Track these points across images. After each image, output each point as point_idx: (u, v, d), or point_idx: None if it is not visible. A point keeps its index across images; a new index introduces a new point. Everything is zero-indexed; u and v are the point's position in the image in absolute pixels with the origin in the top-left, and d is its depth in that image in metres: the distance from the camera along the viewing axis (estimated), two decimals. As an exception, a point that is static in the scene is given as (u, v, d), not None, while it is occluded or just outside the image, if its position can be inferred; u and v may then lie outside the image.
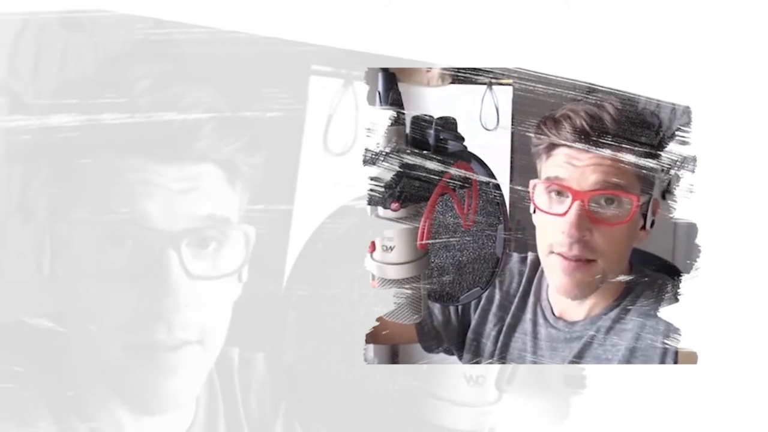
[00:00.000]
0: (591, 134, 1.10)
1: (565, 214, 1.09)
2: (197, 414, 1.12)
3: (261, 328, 1.20)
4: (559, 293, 1.14)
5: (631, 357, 1.12)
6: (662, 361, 1.11)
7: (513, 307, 1.22)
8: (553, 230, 1.11)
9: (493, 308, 1.23)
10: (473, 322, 1.24)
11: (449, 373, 1.27)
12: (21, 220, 1.08)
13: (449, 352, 1.26)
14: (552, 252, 1.12)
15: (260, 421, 1.17)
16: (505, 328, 1.22)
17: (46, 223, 1.06)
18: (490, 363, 1.23)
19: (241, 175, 1.07)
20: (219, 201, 1.05)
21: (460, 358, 1.25)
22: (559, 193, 1.12)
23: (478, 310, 1.24)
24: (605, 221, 1.10)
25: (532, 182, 1.15)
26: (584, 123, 1.10)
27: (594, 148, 1.10)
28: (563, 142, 1.11)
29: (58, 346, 1.07)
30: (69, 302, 1.05)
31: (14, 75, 1.14)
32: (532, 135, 1.17)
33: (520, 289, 1.23)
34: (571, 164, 1.10)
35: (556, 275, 1.13)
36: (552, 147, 1.13)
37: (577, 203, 1.09)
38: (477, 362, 1.23)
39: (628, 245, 1.14)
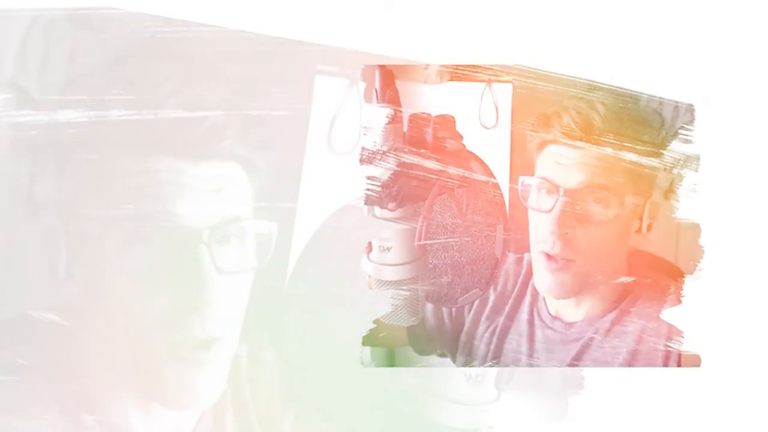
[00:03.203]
0: (577, 131, 1.12)
1: (550, 211, 1.11)
2: (204, 411, 1.14)
3: (264, 325, 1.20)
4: (542, 292, 1.16)
5: (632, 360, 1.13)
6: (665, 364, 1.12)
7: (507, 308, 1.22)
8: (539, 228, 1.13)
9: (487, 310, 1.23)
10: (466, 324, 1.24)
11: (449, 371, 1.27)
12: (28, 215, 1.10)
13: (443, 356, 1.26)
14: (538, 250, 1.13)
15: (267, 415, 1.18)
16: (498, 330, 1.22)
17: (60, 220, 1.07)
18: (483, 366, 1.22)
19: (258, 170, 1.10)
20: (240, 197, 1.09)
21: (454, 361, 1.25)
22: (548, 191, 1.13)
23: (472, 312, 1.24)
24: (590, 220, 1.11)
25: (520, 179, 1.16)
26: (571, 120, 1.12)
27: (583, 146, 1.12)
28: (551, 138, 1.13)
29: (86, 345, 1.09)
30: (100, 302, 1.07)
31: (23, 71, 1.15)
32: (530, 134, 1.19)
33: (515, 289, 1.23)
34: (559, 162, 1.13)
35: (539, 273, 1.14)
36: (542, 145, 1.15)
37: (561, 201, 1.11)
38: (470, 364, 1.23)
39: (616, 246, 1.14)
